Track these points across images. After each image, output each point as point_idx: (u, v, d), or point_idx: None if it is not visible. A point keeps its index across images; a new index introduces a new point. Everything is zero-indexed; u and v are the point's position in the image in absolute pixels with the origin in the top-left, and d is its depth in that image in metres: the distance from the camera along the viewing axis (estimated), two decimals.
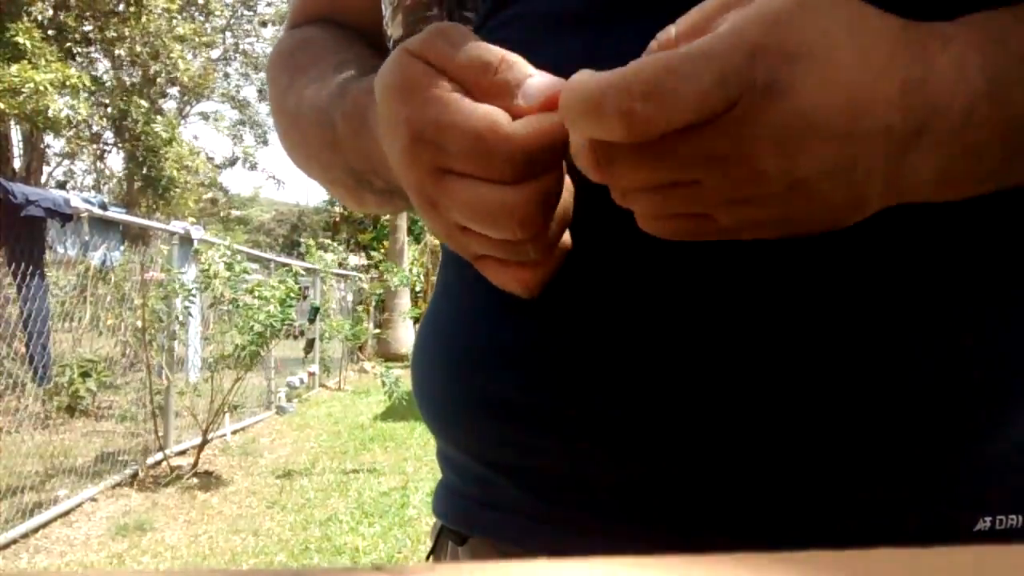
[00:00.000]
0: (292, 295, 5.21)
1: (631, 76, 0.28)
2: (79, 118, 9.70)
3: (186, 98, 16.20)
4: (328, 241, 7.78)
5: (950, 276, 0.39)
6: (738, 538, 0.39)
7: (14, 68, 8.21)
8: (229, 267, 4.91)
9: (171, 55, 12.23)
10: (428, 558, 0.57)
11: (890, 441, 0.38)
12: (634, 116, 0.28)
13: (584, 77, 0.29)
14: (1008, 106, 0.31)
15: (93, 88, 10.45)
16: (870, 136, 0.30)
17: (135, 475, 4.44)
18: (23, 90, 8.15)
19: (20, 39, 8.63)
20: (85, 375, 4.44)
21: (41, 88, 8.19)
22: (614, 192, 0.33)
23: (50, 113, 8.42)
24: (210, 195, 17.86)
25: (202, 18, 14.57)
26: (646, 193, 0.32)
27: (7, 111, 8.32)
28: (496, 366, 0.44)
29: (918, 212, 0.36)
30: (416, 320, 13.44)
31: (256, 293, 5.03)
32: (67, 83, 8.61)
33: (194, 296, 4.82)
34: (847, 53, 0.29)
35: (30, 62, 8.47)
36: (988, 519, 0.38)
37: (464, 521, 0.50)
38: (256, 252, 7.55)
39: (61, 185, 13.41)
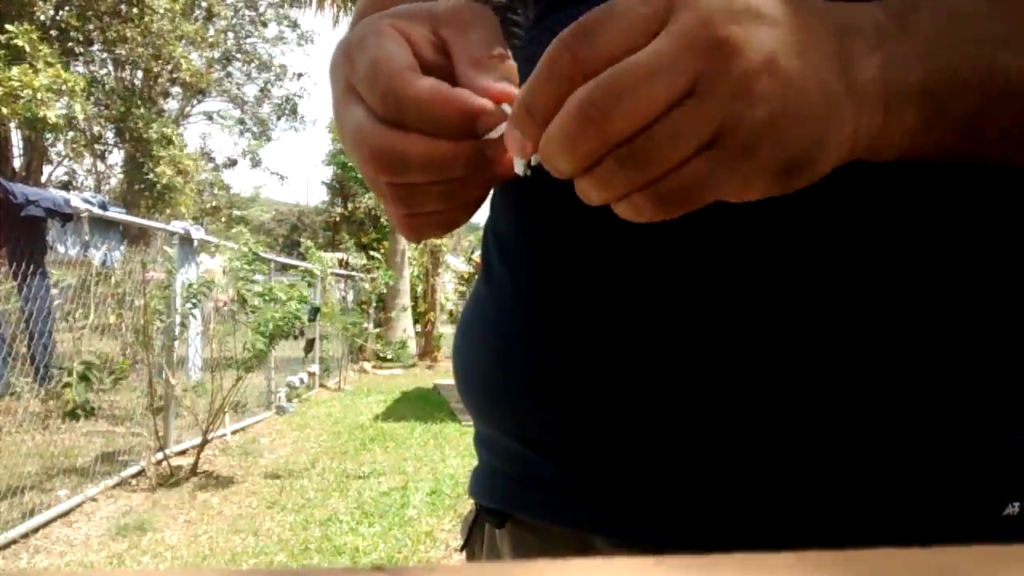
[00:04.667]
0: (303, 299, 5.29)
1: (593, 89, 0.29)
2: (78, 120, 9.69)
3: (188, 95, 16.19)
4: (324, 254, 7.77)
5: (976, 260, 0.39)
6: (768, 520, 0.40)
7: (15, 71, 8.17)
8: (248, 263, 4.93)
9: (173, 54, 12.22)
10: (462, 549, 0.58)
11: (918, 427, 0.38)
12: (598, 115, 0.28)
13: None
14: (912, 29, 0.32)
15: (91, 90, 10.44)
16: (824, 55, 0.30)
17: (135, 475, 4.45)
18: (22, 94, 8.11)
19: (19, 41, 8.59)
20: (84, 379, 4.42)
21: (40, 94, 8.14)
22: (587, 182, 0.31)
23: (48, 118, 8.37)
24: (214, 203, 17.80)
25: (205, 19, 14.55)
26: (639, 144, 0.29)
27: (8, 115, 8.29)
28: (542, 347, 0.46)
29: (940, 194, 0.38)
30: (416, 320, 13.44)
31: (267, 296, 5.05)
32: (63, 87, 8.56)
33: (198, 298, 4.82)
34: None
35: (31, 65, 8.44)
36: (1016, 504, 0.39)
37: (504, 500, 0.51)
38: (271, 256, 7.52)
39: (62, 185, 13.40)
